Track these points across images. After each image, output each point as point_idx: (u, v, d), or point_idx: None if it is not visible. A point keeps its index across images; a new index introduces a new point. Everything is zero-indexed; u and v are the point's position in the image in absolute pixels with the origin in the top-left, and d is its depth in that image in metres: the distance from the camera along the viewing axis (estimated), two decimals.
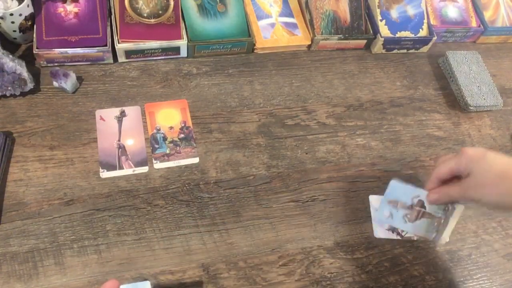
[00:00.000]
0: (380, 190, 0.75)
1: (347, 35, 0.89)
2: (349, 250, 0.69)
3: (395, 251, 0.70)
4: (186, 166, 0.72)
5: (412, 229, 0.65)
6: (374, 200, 0.73)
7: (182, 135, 0.75)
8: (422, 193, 0.63)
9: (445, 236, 0.62)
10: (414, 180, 0.76)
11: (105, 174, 0.69)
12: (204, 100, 0.80)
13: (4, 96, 0.73)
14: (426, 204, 0.63)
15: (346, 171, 0.76)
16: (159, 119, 0.76)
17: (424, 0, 0.94)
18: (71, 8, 0.78)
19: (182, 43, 0.80)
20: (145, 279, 0.61)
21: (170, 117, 0.76)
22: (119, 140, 0.72)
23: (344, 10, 0.91)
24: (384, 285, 0.67)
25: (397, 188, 0.65)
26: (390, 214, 0.65)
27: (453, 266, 0.70)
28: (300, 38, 0.88)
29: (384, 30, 0.91)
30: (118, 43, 0.78)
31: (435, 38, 0.92)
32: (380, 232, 0.70)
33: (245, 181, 0.72)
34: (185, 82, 0.81)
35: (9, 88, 0.71)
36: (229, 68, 0.84)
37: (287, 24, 0.89)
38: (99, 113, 0.75)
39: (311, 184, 0.74)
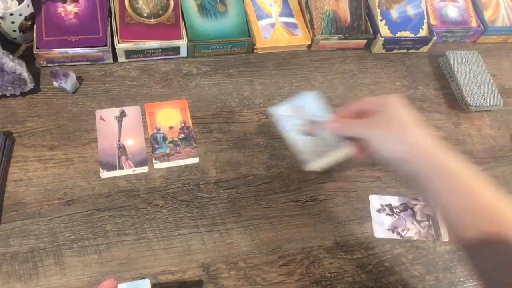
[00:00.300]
0: (380, 190, 0.75)
1: (347, 35, 0.89)
2: (349, 250, 0.69)
3: (395, 251, 0.70)
4: (186, 166, 0.72)
5: (294, 141, 0.63)
6: (374, 200, 0.73)
7: (182, 135, 0.75)
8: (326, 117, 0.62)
9: (319, 165, 0.62)
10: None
11: (105, 174, 0.69)
12: (204, 100, 0.80)
13: (4, 96, 0.73)
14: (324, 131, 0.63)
15: (346, 171, 0.76)
16: (159, 119, 0.76)
17: (424, 0, 0.94)
18: (71, 8, 0.78)
19: (182, 43, 0.80)
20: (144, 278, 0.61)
21: (170, 117, 0.76)
22: (119, 140, 0.72)
23: (344, 10, 0.91)
24: (384, 285, 0.67)
25: (310, 101, 0.64)
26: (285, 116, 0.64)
27: (453, 266, 0.70)
28: (300, 38, 0.88)
29: (384, 30, 0.91)
30: (118, 43, 0.78)
31: (435, 38, 0.92)
32: (380, 232, 0.71)
33: (245, 181, 0.72)
34: (185, 82, 0.81)
35: (9, 88, 0.71)
36: (229, 68, 0.84)
37: (287, 24, 0.89)
38: (99, 113, 0.75)
39: (311, 184, 0.74)
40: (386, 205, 0.73)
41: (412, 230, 0.72)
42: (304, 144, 0.63)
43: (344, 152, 0.62)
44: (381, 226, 0.71)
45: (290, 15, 0.91)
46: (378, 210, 0.73)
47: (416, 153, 0.54)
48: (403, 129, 0.55)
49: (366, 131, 0.58)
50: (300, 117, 0.63)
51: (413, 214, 0.73)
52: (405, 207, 0.73)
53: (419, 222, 0.72)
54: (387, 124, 0.56)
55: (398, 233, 0.71)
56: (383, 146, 0.56)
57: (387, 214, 0.72)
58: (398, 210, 0.73)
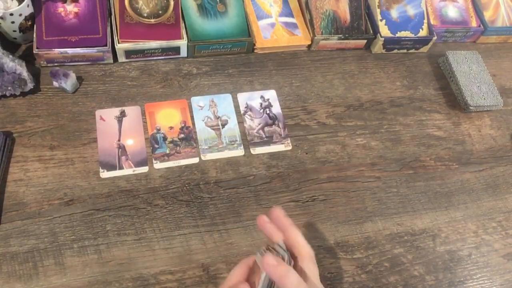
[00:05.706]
0: (380, 190, 0.75)
1: (347, 35, 0.89)
2: (349, 250, 0.69)
3: (395, 251, 0.70)
4: (186, 166, 0.72)
5: (200, 129, 0.75)
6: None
7: (182, 135, 0.75)
8: None
9: (212, 158, 0.70)
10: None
11: (105, 174, 0.69)
12: None
13: (4, 96, 0.73)
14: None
15: (346, 171, 0.76)
16: (159, 119, 0.76)
17: (424, 0, 0.94)
18: (71, 8, 0.78)
19: (182, 43, 0.80)
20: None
21: (170, 117, 0.76)
22: (119, 140, 0.72)
23: (344, 10, 0.91)
24: (384, 285, 0.67)
25: (224, 100, 0.76)
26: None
27: (453, 266, 0.70)
28: (300, 38, 0.88)
29: (384, 30, 0.91)
30: (118, 43, 0.78)
31: (435, 38, 0.92)
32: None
33: (245, 181, 0.72)
34: (185, 82, 0.81)
35: (9, 88, 0.71)
36: (229, 68, 0.84)
37: (287, 24, 0.89)
38: (99, 113, 0.75)
39: (311, 184, 0.74)
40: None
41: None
42: (206, 136, 0.73)
43: (237, 153, 0.68)
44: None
45: (290, 15, 0.91)
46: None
47: None
48: None
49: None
50: (211, 112, 0.74)
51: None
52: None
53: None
54: None
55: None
56: None
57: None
58: None
